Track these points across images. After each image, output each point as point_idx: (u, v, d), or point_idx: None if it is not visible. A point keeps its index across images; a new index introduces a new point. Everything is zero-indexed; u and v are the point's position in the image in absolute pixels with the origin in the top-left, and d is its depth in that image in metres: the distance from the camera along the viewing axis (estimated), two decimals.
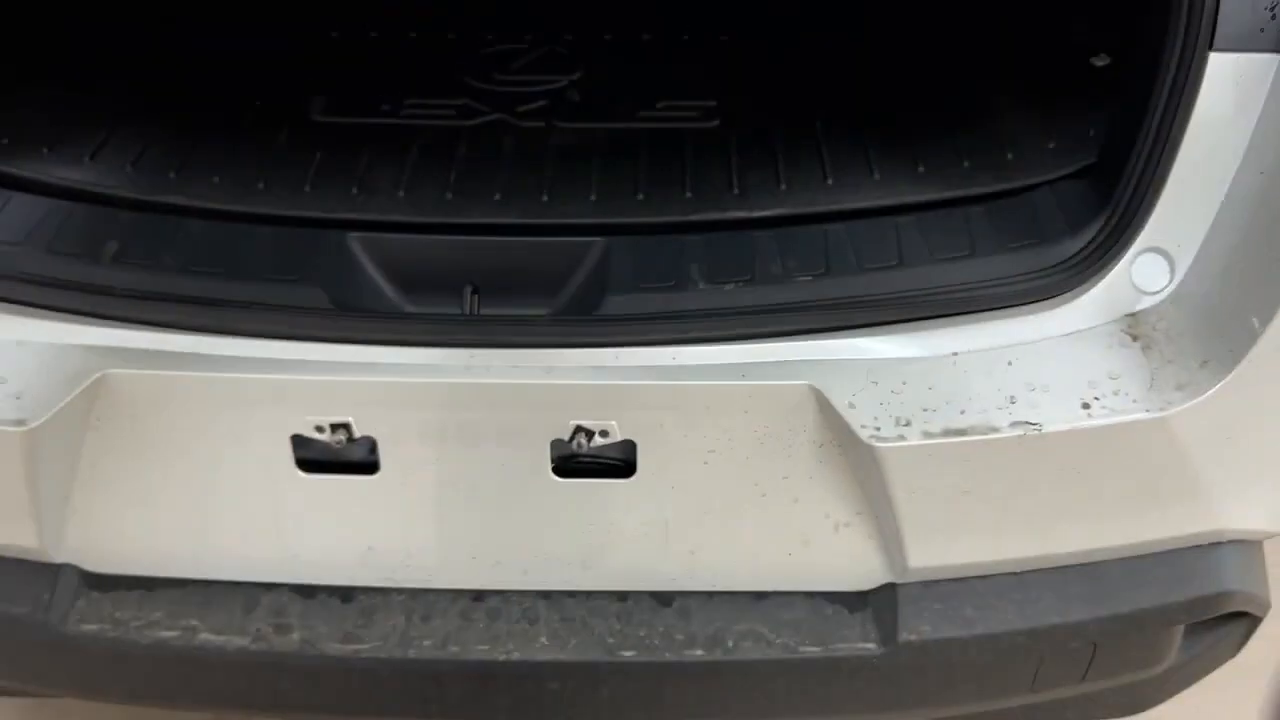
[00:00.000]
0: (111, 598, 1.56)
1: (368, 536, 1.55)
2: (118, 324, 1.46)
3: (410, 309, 1.55)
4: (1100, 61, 1.86)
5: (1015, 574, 1.54)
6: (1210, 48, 1.41)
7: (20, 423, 1.39)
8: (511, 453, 1.48)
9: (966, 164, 1.68)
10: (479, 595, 1.57)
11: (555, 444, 1.46)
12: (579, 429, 1.44)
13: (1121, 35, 1.84)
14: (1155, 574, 1.55)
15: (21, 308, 1.47)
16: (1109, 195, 1.51)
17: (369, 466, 1.49)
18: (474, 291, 1.54)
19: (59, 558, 1.56)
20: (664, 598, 1.56)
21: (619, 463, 1.49)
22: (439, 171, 1.69)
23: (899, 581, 1.53)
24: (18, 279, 1.49)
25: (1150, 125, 1.45)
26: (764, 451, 1.46)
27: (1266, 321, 1.38)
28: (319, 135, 1.77)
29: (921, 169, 1.67)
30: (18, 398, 1.41)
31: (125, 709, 1.91)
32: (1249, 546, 1.61)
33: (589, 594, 1.56)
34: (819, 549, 1.52)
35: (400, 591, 1.57)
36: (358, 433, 1.46)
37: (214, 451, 1.50)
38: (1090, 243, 1.50)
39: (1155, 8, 1.47)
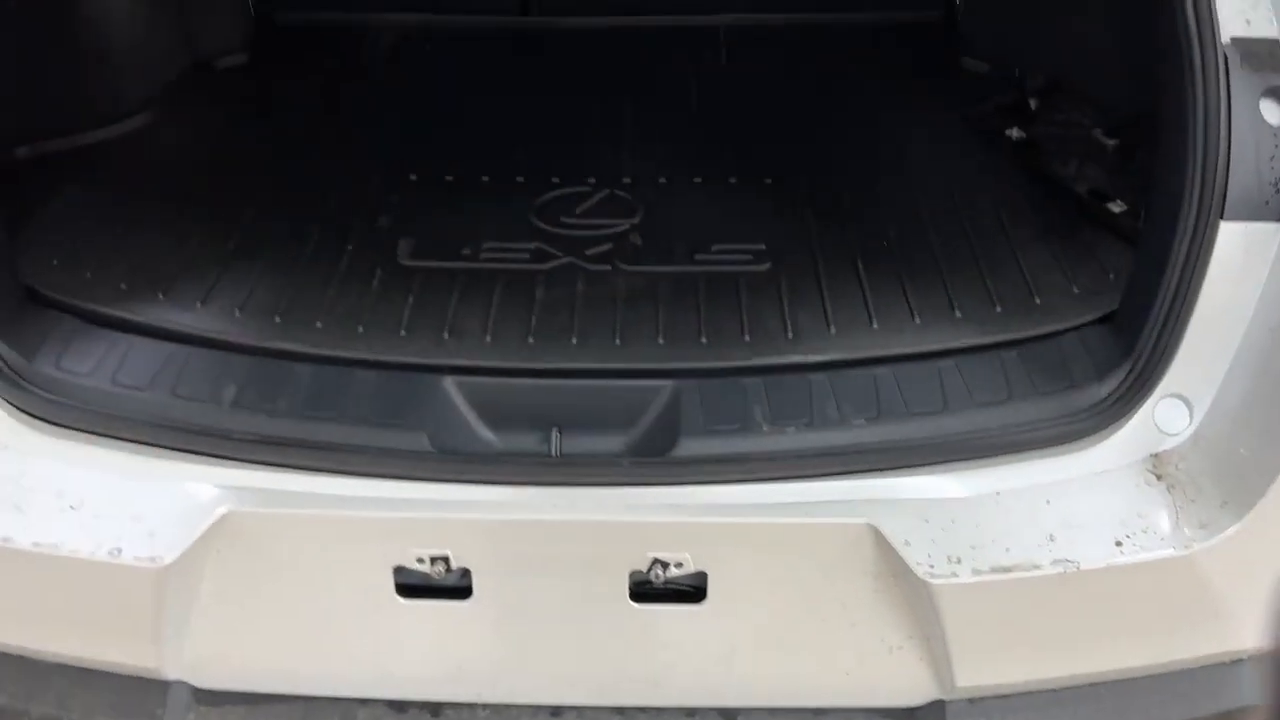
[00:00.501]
0: (219, 712, 1.70)
1: (458, 656, 1.69)
2: (239, 464, 1.61)
3: (501, 447, 1.70)
4: (1117, 208, 2.03)
5: (1053, 690, 1.67)
6: (1221, 217, 1.58)
7: (154, 559, 1.54)
8: (593, 581, 1.63)
9: (999, 309, 1.85)
10: (557, 710, 1.70)
11: (633, 573, 1.61)
12: (656, 561, 1.59)
13: (1135, 190, 2.03)
14: (1182, 690, 1.69)
15: (153, 449, 1.63)
16: (1132, 345, 1.67)
17: (462, 592, 1.64)
18: (558, 431, 1.69)
19: (171, 675, 1.69)
20: (729, 714, 1.69)
21: (691, 589, 1.63)
22: (520, 315, 1.86)
23: (947, 699, 1.66)
24: (149, 424, 1.64)
25: (1169, 285, 1.62)
26: (824, 582, 1.60)
27: (1278, 466, 1.53)
28: (409, 279, 1.93)
29: (958, 314, 1.84)
30: (151, 535, 1.56)
31: None
32: (1266, 660, 1.74)
33: (659, 710, 1.70)
34: (873, 669, 1.66)
35: (485, 707, 1.70)
36: (455, 564, 1.60)
37: (321, 580, 1.65)
38: (1117, 389, 1.65)
39: (1171, 182, 1.64)
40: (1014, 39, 2.50)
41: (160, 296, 1.87)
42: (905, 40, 2.72)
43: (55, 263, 1.92)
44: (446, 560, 1.60)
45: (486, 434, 1.71)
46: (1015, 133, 2.29)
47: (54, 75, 2.23)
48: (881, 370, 1.75)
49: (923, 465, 1.62)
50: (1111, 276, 1.89)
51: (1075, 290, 1.88)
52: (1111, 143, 2.16)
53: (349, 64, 2.64)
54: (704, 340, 1.81)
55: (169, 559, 1.54)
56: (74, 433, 1.65)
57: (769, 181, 2.22)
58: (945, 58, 2.64)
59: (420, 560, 1.60)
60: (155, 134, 2.34)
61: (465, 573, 1.62)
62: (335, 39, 2.72)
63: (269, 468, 1.61)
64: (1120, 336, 1.73)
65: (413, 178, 2.22)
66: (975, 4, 2.63)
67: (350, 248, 2.01)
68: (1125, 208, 2.03)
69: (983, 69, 2.58)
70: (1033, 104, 2.34)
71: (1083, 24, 2.31)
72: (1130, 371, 1.65)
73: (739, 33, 2.76)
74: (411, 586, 1.63)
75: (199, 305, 1.85)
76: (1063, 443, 1.64)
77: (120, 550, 1.55)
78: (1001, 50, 2.54)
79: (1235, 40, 1.62)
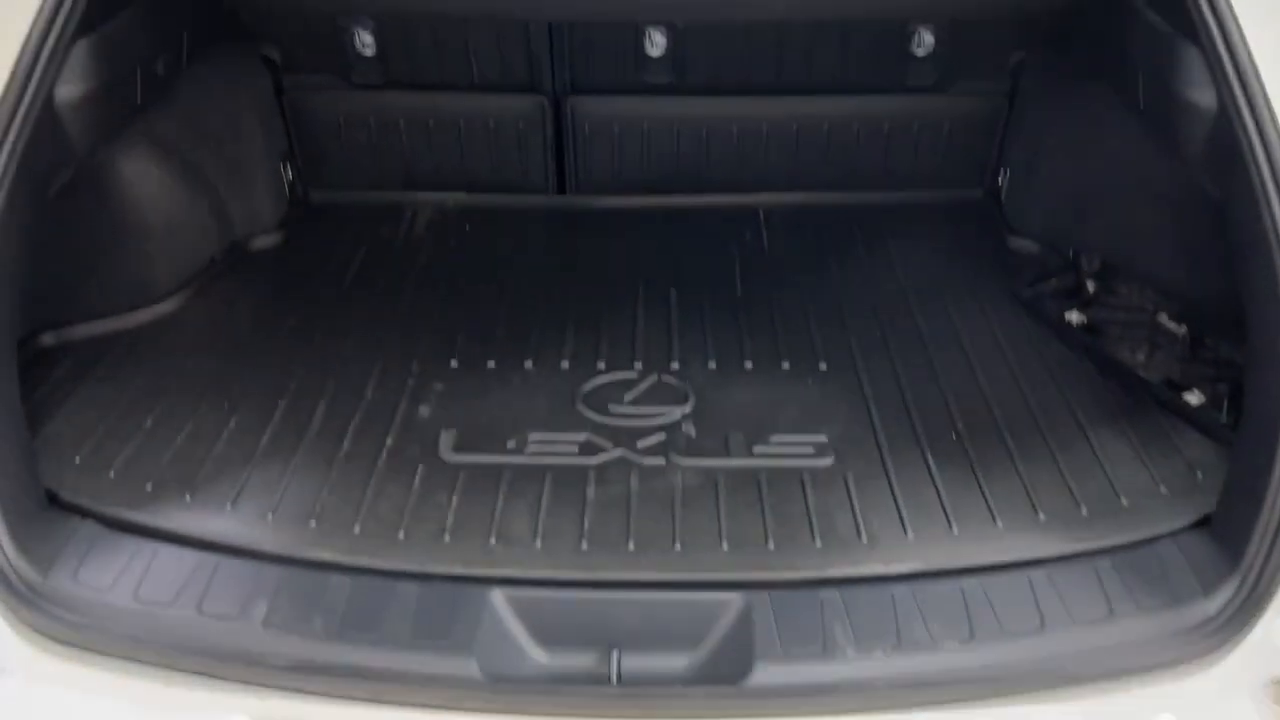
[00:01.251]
0: None
1: None
2: (271, 692, 1.46)
3: (556, 670, 1.55)
4: (1195, 398, 1.94)
5: None
6: None
7: None
8: None
9: (1084, 512, 1.73)
10: None
11: None
12: None
13: (1211, 381, 1.94)
14: None
15: (177, 674, 1.48)
16: (1239, 555, 1.54)
17: None
18: (618, 652, 1.54)
19: None
20: None
21: None
22: (571, 517, 1.73)
23: None
24: (172, 647, 1.50)
25: (1275, 491, 1.51)
26: None
27: None
28: (452, 477, 1.82)
29: (1042, 517, 1.72)
30: None
31: None
32: None
33: None
34: None
35: None
36: None
37: None
38: (1227, 605, 1.52)
39: (1267, 382, 1.55)
40: (1063, 220, 2.46)
41: (187, 499, 1.75)
42: (948, 219, 2.68)
43: (77, 461, 1.81)
44: None
45: (539, 655, 1.56)
46: (1075, 316, 2.21)
47: (86, 261, 2.18)
48: (968, 582, 1.61)
49: (1026, 693, 1.47)
50: (1200, 475, 1.78)
51: (1163, 490, 1.76)
52: (1180, 329, 2.08)
53: (385, 244, 2.58)
54: (772, 546, 1.69)
55: None
56: (90, 655, 1.51)
57: (824, 367, 2.13)
58: (991, 237, 2.60)
59: None
60: (185, 319, 2.26)
61: None
62: (370, 217, 2.68)
63: (304, 696, 1.46)
64: (1224, 545, 1.61)
65: (454, 364, 2.13)
66: (1020, 185, 2.60)
67: (390, 442, 1.91)
68: (1204, 399, 1.94)
69: (1032, 249, 2.53)
70: (1090, 286, 2.28)
71: (1136, 207, 2.27)
72: (1241, 585, 1.53)
73: (778, 212, 2.73)
74: None
75: (228, 508, 1.74)
76: (1174, 665, 1.50)
77: None
78: (1050, 231, 2.50)
79: None
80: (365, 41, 2.57)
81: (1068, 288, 2.31)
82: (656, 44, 2.58)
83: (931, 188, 2.77)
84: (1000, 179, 2.69)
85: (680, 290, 2.40)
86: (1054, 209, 2.49)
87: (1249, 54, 1.72)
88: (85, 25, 1.87)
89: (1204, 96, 1.80)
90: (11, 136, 1.73)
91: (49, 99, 1.81)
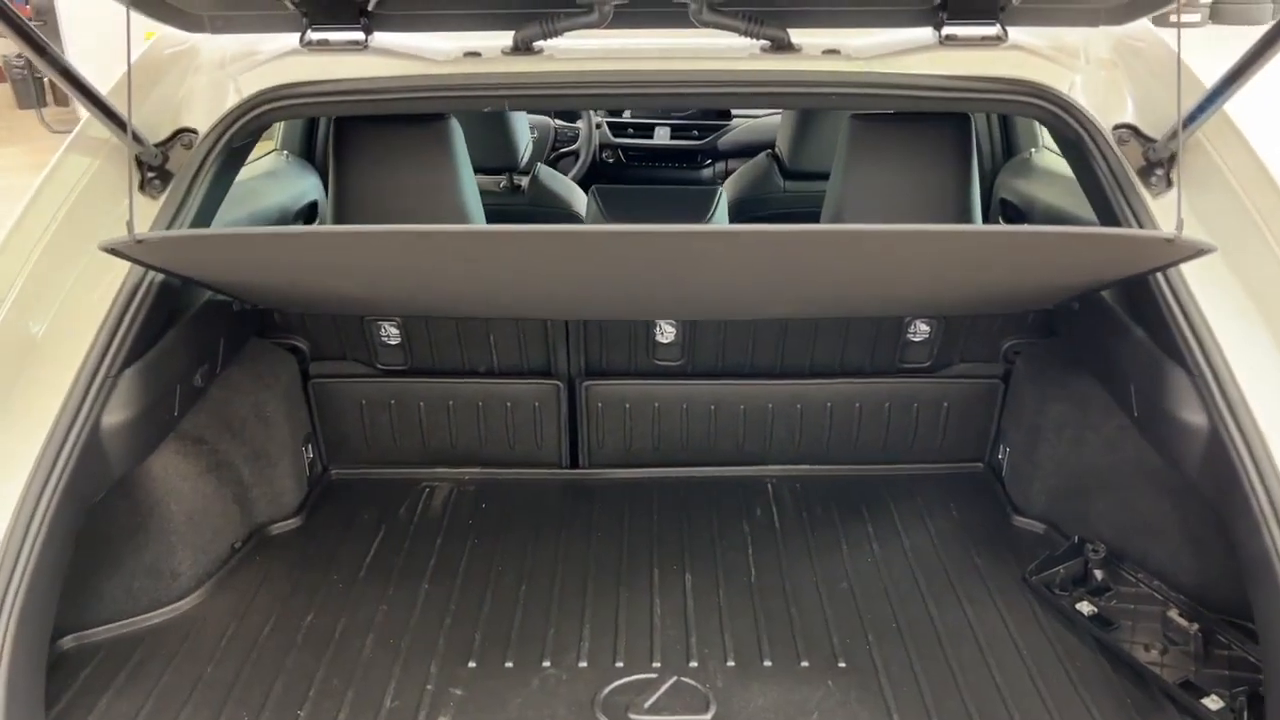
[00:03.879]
0: None
1: None
2: None
3: None
4: (1213, 704, 1.95)
5: None
6: None
7: None
8: None
9: None
10: None
11: None
12: None
13: (1229, 682, 1.96)
14: None
15: None
16: None
17: None
18: None
19: None
20: None
21: None
22: None
23: None
24: None
25: None
26: None
27: None
28: None
29: None
30: None
31: None
32: None
33: None
34: None
35: None
36: None
37: None
38: None
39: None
40: (1065, 504, 2.52)
41: None
42: (952, 494, 2.73)
43: None
44: None
45: None
46: (1086, 607, 2.24)
47: (109, 558, 2.21)
48: None
49: None
50: None
51: None
52: (1193, 628, 2.10)
53: (402, 526, 2.62)
54: None
55: None
56: None
57: (842, 665, 2.14)
58: (996, 514, 2.66)
59: None
60: (205, 616, 2.27)
61: None
62: (388, 495, 2.74)
63: None
64: None
65: (472, 664, 2.13)
66: (1020, 464, 2.67)
67: None
68: (1221, 704, 1.95)
69: (1037, 529, 2.58)
70: (1098, 575, 2.32)
71: (1136, 496, 2.33)
72: None
73: (786, 483, 2.80)
74: None
75: None
76: None
77: None
78: (1054, 514, 2.56)
79: None
80: (390, 333, 2.70)
81: (1075, 575, 2.35)
82: (666, 333, 2.72)
83: (934, 461, 2.85)
84: (1000, 455, 2.78)
85: (695, 575, 2.43)
86: (1055, 492, 2.55)
87: (1235, 382, 1.84)
88: (133, 356, 1.98)
89: (1196, 417, 1.90)
90: (59, 465, 1.80)
91: (95, 427, 1.89)
